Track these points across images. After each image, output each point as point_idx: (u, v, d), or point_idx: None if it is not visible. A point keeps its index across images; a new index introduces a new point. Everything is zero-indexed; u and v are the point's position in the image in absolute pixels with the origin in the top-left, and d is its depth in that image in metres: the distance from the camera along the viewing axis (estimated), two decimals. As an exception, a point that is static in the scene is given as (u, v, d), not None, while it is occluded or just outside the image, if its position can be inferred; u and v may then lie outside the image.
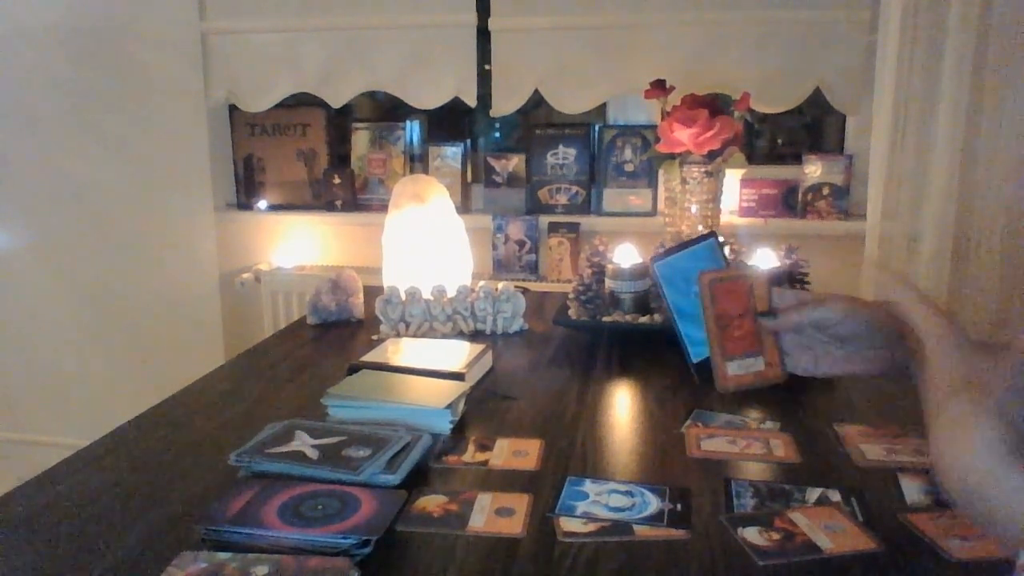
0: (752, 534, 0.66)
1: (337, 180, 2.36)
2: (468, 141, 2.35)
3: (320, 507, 0.67)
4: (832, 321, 0.69)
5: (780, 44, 2.01)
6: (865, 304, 0.71)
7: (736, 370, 0.72)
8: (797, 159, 2.15)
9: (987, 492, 0.47)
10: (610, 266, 1.25)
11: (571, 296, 1.30)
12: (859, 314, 0.69)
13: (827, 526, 0.67)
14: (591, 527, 0.68)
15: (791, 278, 1.22)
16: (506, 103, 2.17)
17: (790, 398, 0.98)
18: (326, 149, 2.41)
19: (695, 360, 0.74)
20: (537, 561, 0.63)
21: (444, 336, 1.29)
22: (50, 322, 2.57)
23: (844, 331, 0.69)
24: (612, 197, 2.22)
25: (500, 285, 1.33)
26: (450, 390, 0.93)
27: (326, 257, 2.39)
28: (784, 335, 0.73)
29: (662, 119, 1.75)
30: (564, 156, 2.26)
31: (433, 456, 0.83)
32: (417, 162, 2.40)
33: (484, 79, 2.19)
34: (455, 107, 2.21)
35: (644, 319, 1.23)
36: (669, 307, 0.76)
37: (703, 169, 1.67)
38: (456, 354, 1.10)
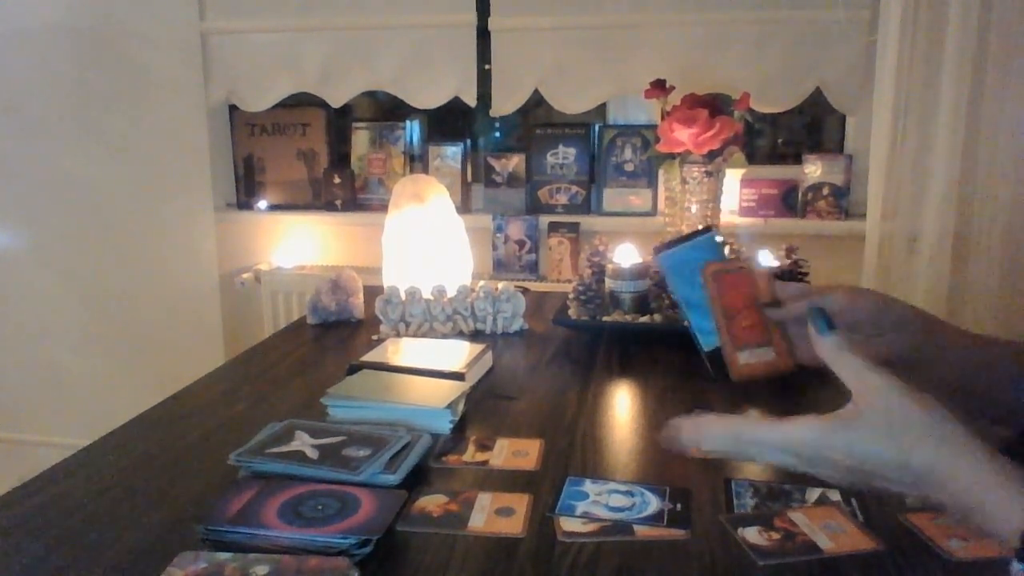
0: (752, 534, 0.66)
1: (337, 180, 2.36)
2: (468, 141, 2.35)
3: (320, 507, 0.67)
4: (835, 311, 0.68)
5: (780, 44, 2.01)
6: (868, 293, 0.71)
7: (748, 359, 0.72)
8: (797, 159, 2.15)
9: None
10: (610, 266, 1.25)
11: (571, 296, 1.30)
12: (862, 303, 0.69)
13: (827, 526, 0.67)
14: (591, 527, 0.68)
15: (791, 278, 1.22)
16: (506, 103, 2.17)
17: (790, 398, 0.98)
18: (326, 149, 2.42)
19: (707, 349, 0.74)
20: (537, 561, 0.63)
21: (444, 336, 1.29)
22: (50, 322, 2.57)
23: (848, 320, 0.68)
24: (612, 197, 2.22)
25: (500, 285, 1.33)
26: (450, 390, 0.93)
27: (326, 257, 2.39)
28: (790, 326, 0.73)
29: (662, 119, 1.75)
30: (564, 156, 2.26)
31: (433, 456, 0.83)
32: (417, 162, 2.40)
33: (484, 79, 2.18)
34: (455, 107, 2.21)
35: (644, 319, 1.23)
36: (677, 298, 0.76)
37: (703, 169, 1.67)
38: (456, 354, 1.10)
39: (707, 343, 0.73)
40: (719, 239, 0.76)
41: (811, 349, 0.68)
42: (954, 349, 0.70)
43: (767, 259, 1.22)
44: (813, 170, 2.10)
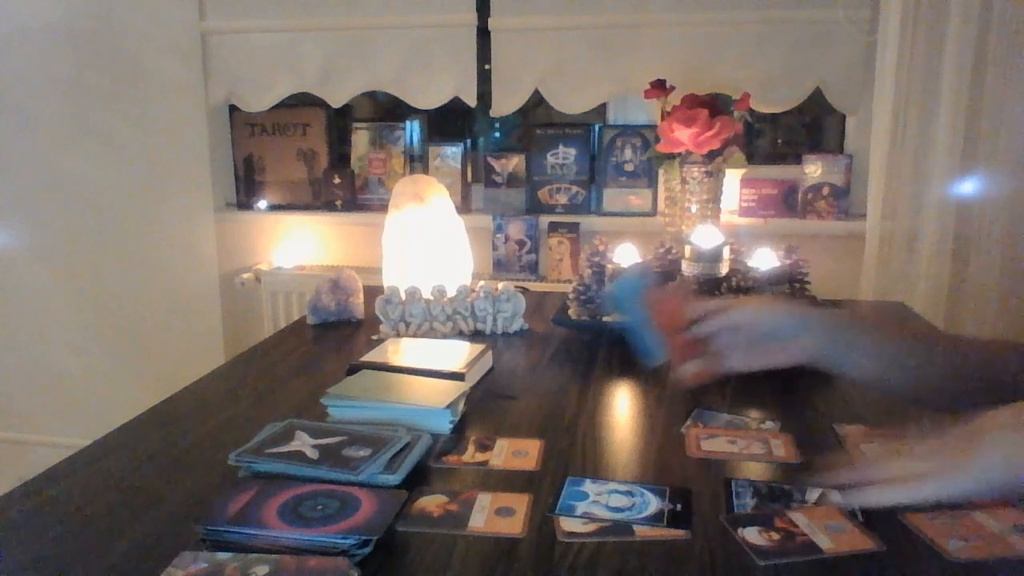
0: (752, 534, 0.66)
1: (337, 180, 2.36)
2: (468, 141, 2.35)
3: (320, 507, 0.67)
4: (746, 323, 0.80)
5: (780, 44, 2.01)
6: (776, 305, 0.82)
7: (689, 368, 0.82)
8: (797, 159, 2.15)
9: None
10: (610, 266, 1.25)
11: (571, 296, 1.30)
12: (768, 313, 0.80)
13: (827, 526, 0.67)
14: (591, 527, 0.68)
15: (791, 278, 1.22)
16: (506, 103, 2.17)
17: (790, 398, 0.98)
18: (326, 149, 2.42)
19: (656, 363, 0.85)
20: (537, 561, 0.63)
21: (444, 336, 1.29)
22: (50, 322, 2.57)
23: (761, 329, 0.80)
24: (612, 197, 2.22)
25: (500, 285, 1.33)
26: (450, 390, 0.93)
27: (326, 257, 2.39)
28: (715, 338, 0.82)
29: (662, 119, 1.76)
30: (564, 156, 2.26)
31: (433, 456, 0.83)
32: (417, 162, 2.40)
33: (484, 79, 2.19)
34: (455, 107, 2.21)
35: (644, 319, 1.22)
36: (628, 324, 0.86)
37: (703, 169, 1.67)
38: (456, 354, 1.10)
39: (656, 356, 0.84)
40: (647, 273, 0.88)
41: (737, 356, 0.81)
42: (867, 348, 0.78)
43: (767, 259, 1.22)
44: (813, 170, 2.10)
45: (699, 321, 0.82)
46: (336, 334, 1.34)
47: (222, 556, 0.61)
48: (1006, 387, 0.73)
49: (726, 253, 1.24)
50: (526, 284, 1.94)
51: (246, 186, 2.46)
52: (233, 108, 2.40)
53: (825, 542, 0.64)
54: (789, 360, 0.80)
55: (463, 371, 1.02)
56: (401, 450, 0.78)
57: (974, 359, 0.79)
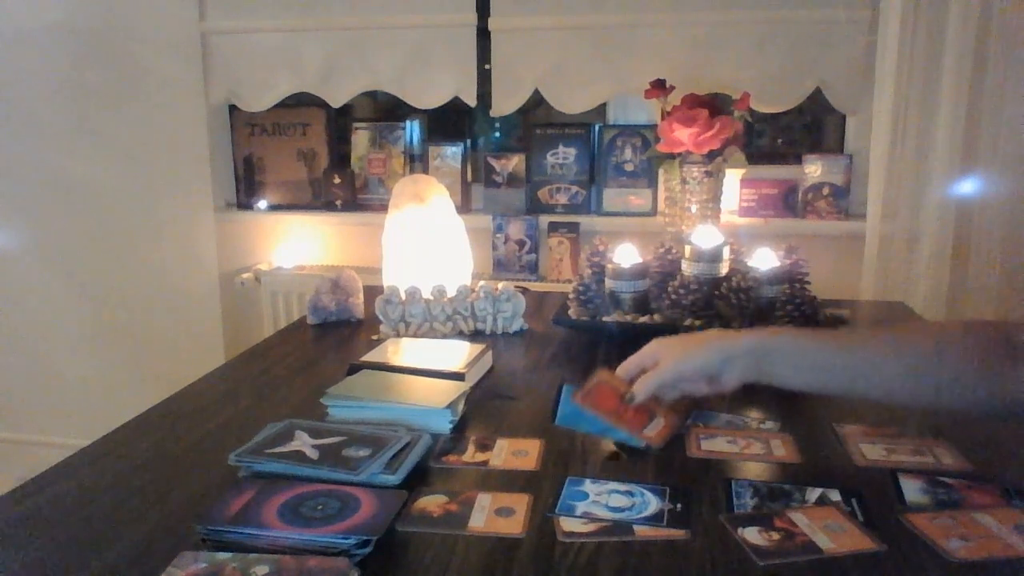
0: (752, 534, 0.66)
1: (337, 180, 2.36)
2: (468, 141, 2.35)
3: (320, 507, 0.67)
4: (673, 376, 0.84)
5: (780, 44, 2.01)
6: (692, 345, 0.85)
7: (651, 432, 0.84)
8: (797, 159, 2.15)
9: None
10: (610, 266, 1.25)
11: (571, 296, 1.30)
12: (689, 361, 0.84)
13: (827, 526, 0.67)
14: (591, 527, 0.68)
15: (791, 278, 1.22)
16: (506, 103, 2.17)
17: (790, 398, 0.98)
18: (326, 149, 2.42)
19: (641, 447, 0.85)
20: (537, 561, 0.63)
21: (444, 336, 1.29)
22: (50, 322, 2.57)
23: (688, 378, 0.84)
24: (612, 197, 2.22)
25: (500, 285, 1.33)
26: (450, 390, 0.93)
27: (326, 257, 2.39)
28: (657, 395, 0.85)
29: (662, 119, 1.76)
30: (564, 156, 2.26)
31: (433, 456, 0.83)
32: (417, 162, 2.40)
33: (484, 79, 2.19)
34: (455, 107, 2.21)
35: (644, 319, 1.23)
36: (599, 434, 0.87)
37: (703, 169, 1.67)
38: (456, 354, 1.10)
39: (631, 444, 0.85)
40: (566, 387, 0.89)
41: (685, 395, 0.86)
42: (793, 361, 0.81)
43: (767, 259, 1.22)
44: (813, 170, 2.10)
45: (633, 387, 0.85)
46: (336, 334, 1.34)
47: (222, 556, 0.61)
48: (969, 369, 0.75)
49: (726, 253, 1.24)
50: (526, 284, 1.94)
51: (246, 186, 2.46)
52: (233, 108, 2.40)
53: (825, 542, 0.64)
54: (724, 391, 0.84)
55: (463, 371, 1.02)
56: (401, 450, 0.78)
57: (923, 350, 0.79)
